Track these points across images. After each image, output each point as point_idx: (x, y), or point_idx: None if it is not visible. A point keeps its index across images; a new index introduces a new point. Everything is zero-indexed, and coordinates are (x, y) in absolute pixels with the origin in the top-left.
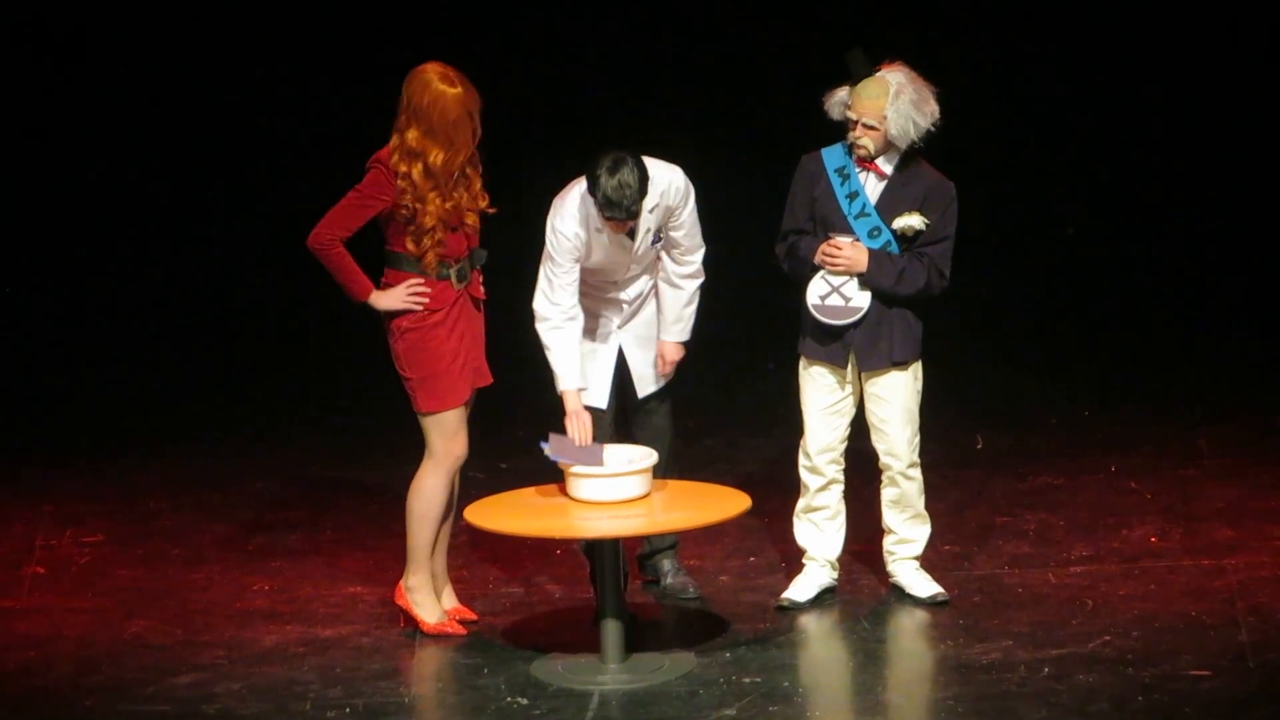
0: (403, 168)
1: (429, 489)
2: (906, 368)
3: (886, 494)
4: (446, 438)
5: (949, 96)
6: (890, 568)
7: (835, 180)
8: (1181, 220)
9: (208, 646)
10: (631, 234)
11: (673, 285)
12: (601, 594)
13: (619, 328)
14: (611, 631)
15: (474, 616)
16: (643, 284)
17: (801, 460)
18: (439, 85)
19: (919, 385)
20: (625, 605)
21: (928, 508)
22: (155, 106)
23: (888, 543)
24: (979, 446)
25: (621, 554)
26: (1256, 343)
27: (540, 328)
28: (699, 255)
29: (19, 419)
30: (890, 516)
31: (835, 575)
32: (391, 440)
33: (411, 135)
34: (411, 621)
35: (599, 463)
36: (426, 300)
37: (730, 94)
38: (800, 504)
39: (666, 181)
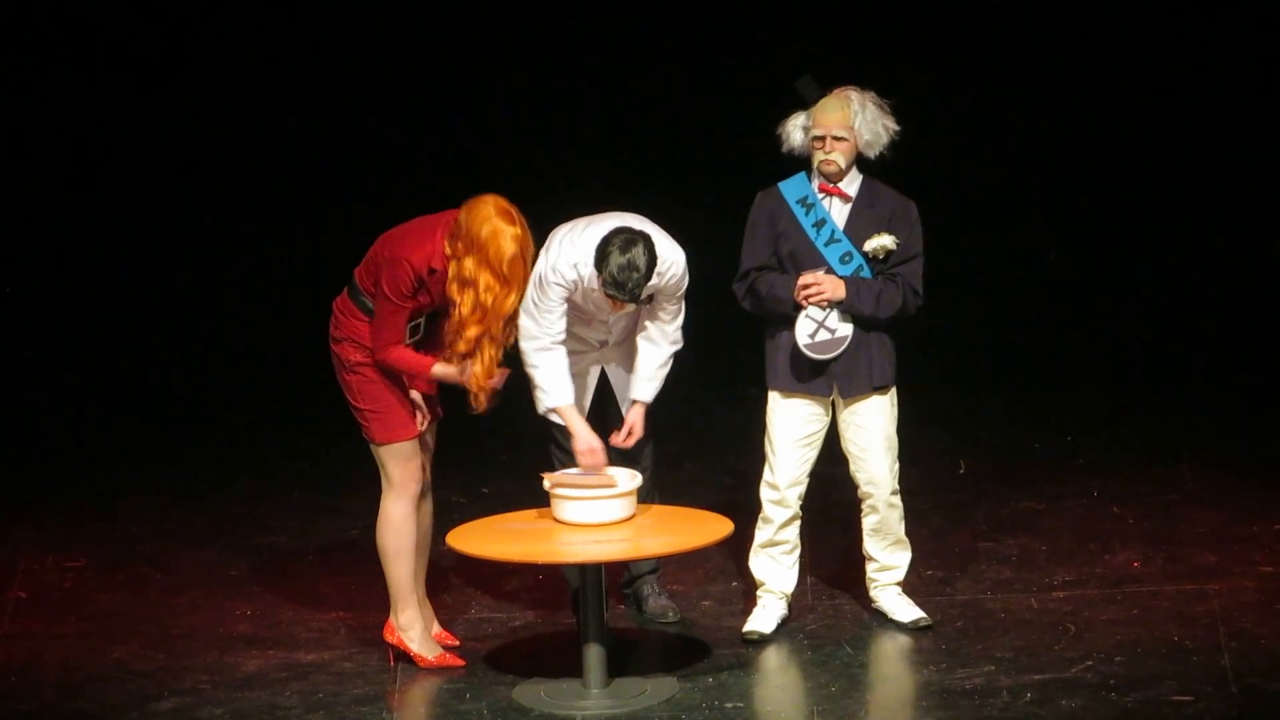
0: (455, 295)
1: (396, 521)
2: (886, 393)
3: (867, 522)
4: (403, 465)
5: (931, 120)
6: (872, 593)
7: (799, 211)
8: (1165, 244)
9: (190, 672)
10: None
11: (652, 343)
12: (584, 618)
13: (601, 348)
14: (594, 656)
15: (456, 641)
16: (629, 323)
17: (767, 494)
18: (499, 221)
19: (895, 411)
20: (607, 630)
21: (910, 533)
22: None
23: (870, 570)
24: (961, 472)
25: (604, 578)
26: (1239, 367)
27: (526, 345)
28: (680, 321)
29: (0, 443)
30: (871, 544)
31: (787, 610)
32: (372, 465)
33: (468, 264)
34: (404, 658)
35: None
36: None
37: (701, 122)
38: (760, 538)
39: (670, 262)
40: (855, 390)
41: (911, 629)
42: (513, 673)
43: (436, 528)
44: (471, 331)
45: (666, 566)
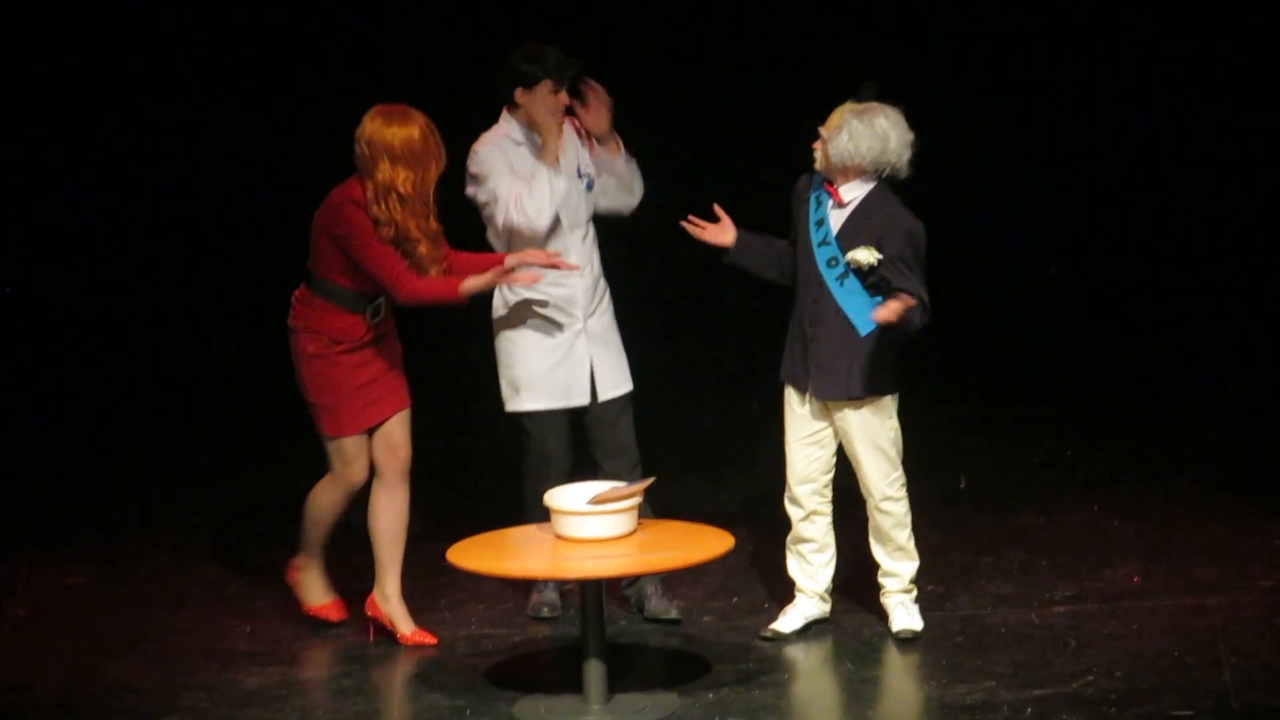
0: (380, 209)
1: (324, 498)
2: (863, 404)
3: (870, 524)
4: (343, 463)
5: (937, 131)
6: (881, 596)
7: (812, 204)
8: (1166, 260)
9: (189, 689)
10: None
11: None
12: (584, 634)
13: (582, 322)
14: (594, 672)
15: (431, 640)
16: (597, 264)
17: (786, 492)
18: (388, 114)
19: (892, 422)
20: (607, 645)
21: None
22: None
23: (879, 574)
24: (962, 486)
25: (603, 587)
26: (1238, 382)
27: (519, 207)
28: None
29: (0, 460)
30: (875, 548)
31: (826, 608)
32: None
33: (381, 169)
34: (384, 632)
35: None
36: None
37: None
38: (790, 535)
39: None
40: (829, 394)
41: (896, 638)
42: (513, 689)
43: (447, 538)
44: (413, 223)
45: (668, 581)
